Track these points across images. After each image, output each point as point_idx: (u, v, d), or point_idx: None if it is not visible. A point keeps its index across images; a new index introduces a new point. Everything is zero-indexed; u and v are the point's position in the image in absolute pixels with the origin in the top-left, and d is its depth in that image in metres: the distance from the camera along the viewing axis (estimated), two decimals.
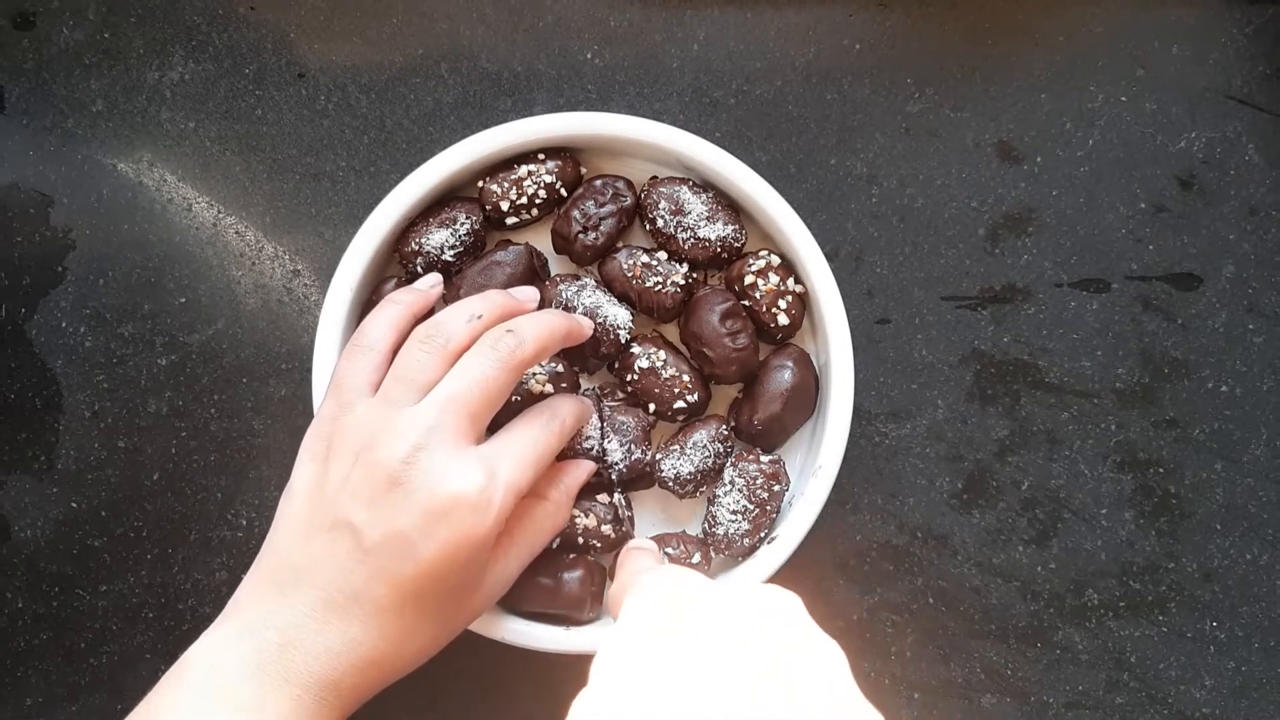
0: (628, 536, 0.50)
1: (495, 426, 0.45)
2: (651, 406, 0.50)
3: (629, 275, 0.50)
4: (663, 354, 0.50)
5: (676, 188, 0.50)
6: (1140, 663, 0.54)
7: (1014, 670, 0.54)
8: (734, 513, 0.48)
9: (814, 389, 0.50)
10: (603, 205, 0.51)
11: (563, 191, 0.51)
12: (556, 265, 0.53)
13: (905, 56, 0.55)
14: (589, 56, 0.55)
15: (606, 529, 0.49)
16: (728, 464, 0.49)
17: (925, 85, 0.55)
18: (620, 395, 0.50)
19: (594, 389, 0.51)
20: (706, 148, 0.49)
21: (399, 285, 0.51)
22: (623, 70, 0.55)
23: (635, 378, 0.49)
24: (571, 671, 0.51)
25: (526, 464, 0.42)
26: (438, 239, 0.50)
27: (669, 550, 0.49)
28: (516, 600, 0.49)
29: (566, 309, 0.49)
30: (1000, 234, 0.55)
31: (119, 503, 0.54)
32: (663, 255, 0.51)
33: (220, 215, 0.55)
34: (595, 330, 0.48)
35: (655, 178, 0.51)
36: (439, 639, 0.41)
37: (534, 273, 0.51)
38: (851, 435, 0.49)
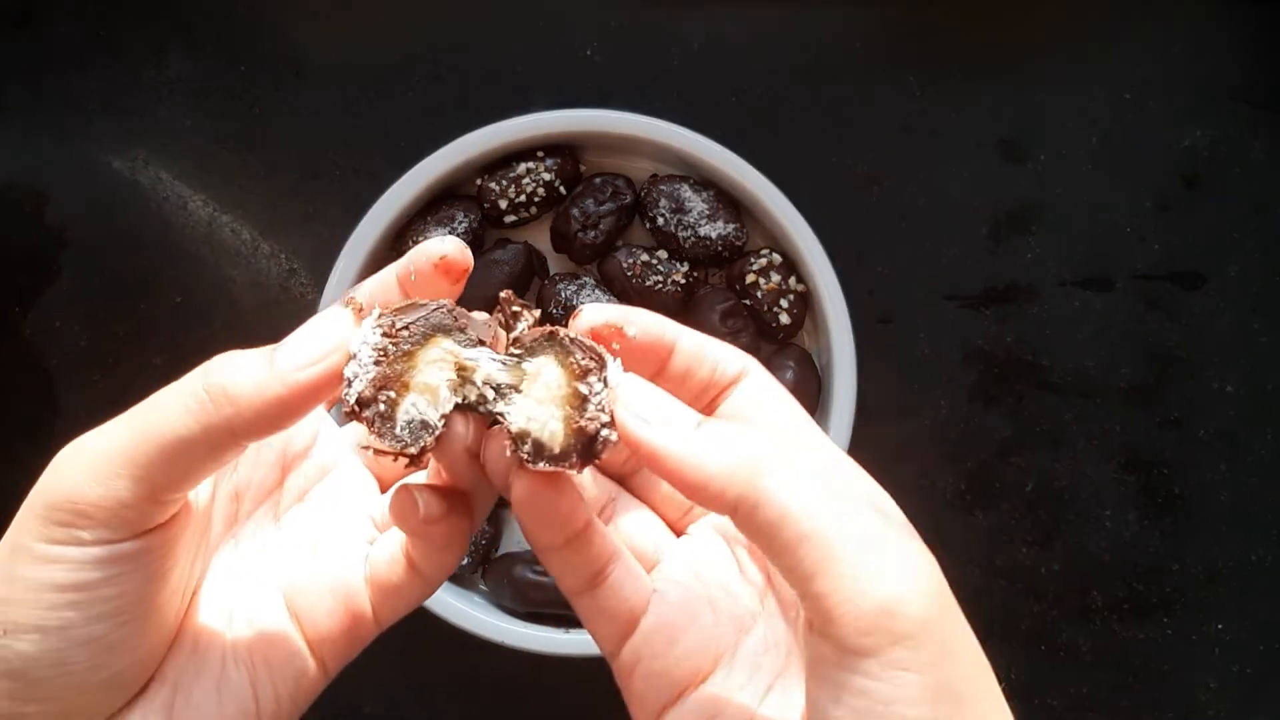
0: None
1: None
2: None
3: (629, 274, 0.49)
4: None
5: (677, 186, 0.50)
6: (1144, 664, 0.54)
7: (1017, 672, 0.54)
8: None
9: (816, 389, 0.50)
10: (602, 203, 0.50)
11: (562, 189, 0.50)
12: (555, 264, 0.52)
13: (907, 55, 0.55)
14: (589, 54, 0.54)
15: None
16: None
17: (927, 83, 0.55)
18: (532, 315, 0.27)
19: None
20: (708, 145, 0.49)
21: None
22: (623, 68, 0.54)
23: None
24: (571, 672, 0.51)
25: None
26: (436, 237, 0.49)
27: None
28: (516, 600, 0.48)
29: (566, 309, 0.48)
30: (1003, 233, 0.55)
31: None
32: (663, 254, 0.50)
33: (216, 213, 0.55)
34: None
35: (655, 176, 0.51)
36: None
37: (532, 271, 0.51)
38: (853, 435, 0.49)
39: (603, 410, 0.24)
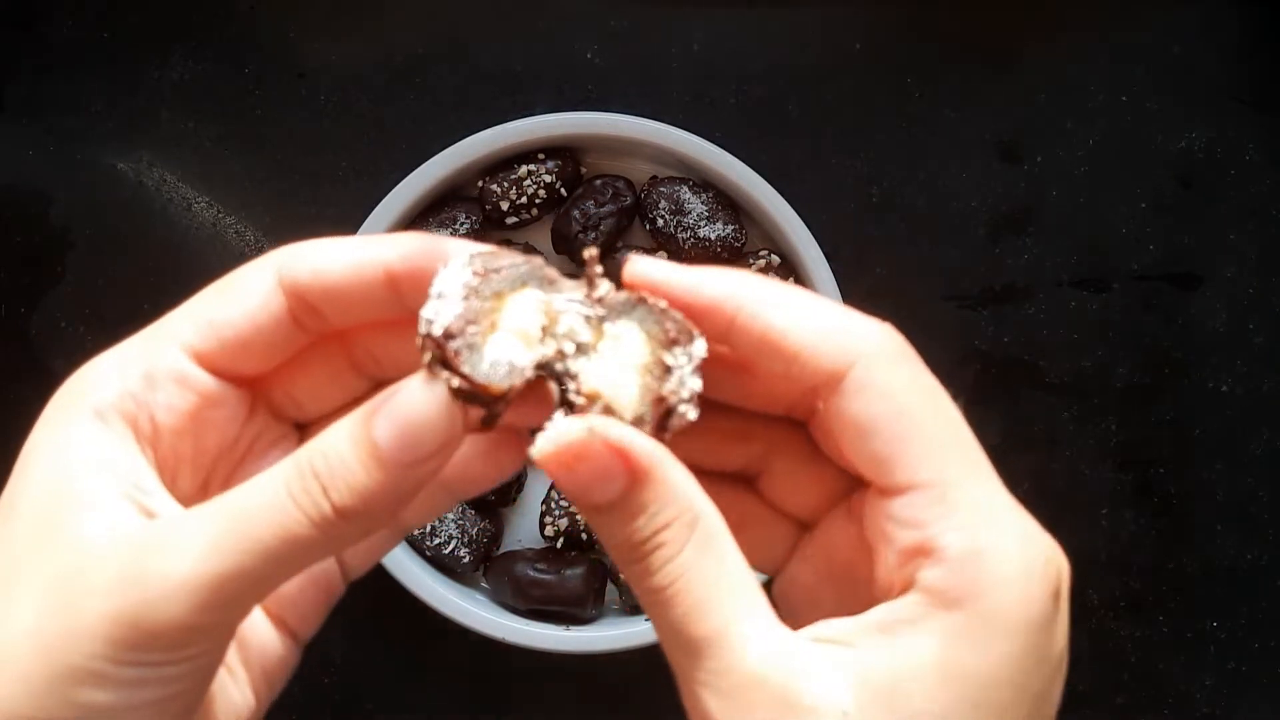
0: None
1: None
2: None
3: None
4: None
5: (676, 187, 0.50)
6: (1140, 662, 0.54)
7: None
8: None
9: None
10: (603, 205, 0.51)
11: (563, 191, 0.51)
12: (556, 265, 0.53)
13: (905, 55, 0.55)
14: (589, 56, 0.55)
15: None
16: None
17: (925, 84, 0.55)
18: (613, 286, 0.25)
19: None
20: (706, 147, 0.49)
21: None
22: (623, 70, 0.55)
23: None
24: (572, 669, 0.51)
25: None
26: None
27: None
28: (517, 598, 0.49)
29: None
30: (1001, 233, 0.55)
31: None
32: (663, 255, 0.51)
33: (220, 215, 0.55)
34: None
35: (655, 177, 0.51)
36: None
37: None
38: None
39: (684, 384, 0.23)
